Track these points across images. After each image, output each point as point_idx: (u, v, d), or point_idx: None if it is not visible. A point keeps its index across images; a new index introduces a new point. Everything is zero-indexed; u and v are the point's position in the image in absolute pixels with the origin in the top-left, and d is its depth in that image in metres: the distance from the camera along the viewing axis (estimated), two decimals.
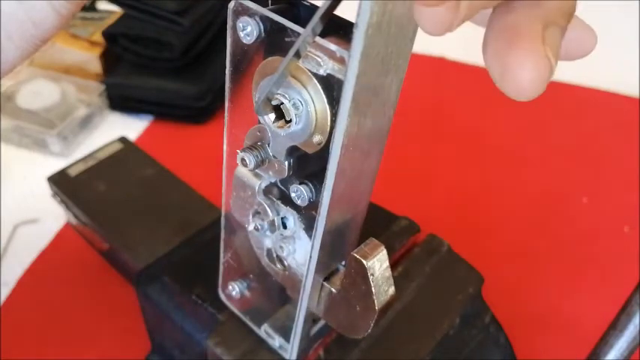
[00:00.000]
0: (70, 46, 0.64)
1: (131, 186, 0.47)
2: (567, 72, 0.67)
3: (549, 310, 0.46)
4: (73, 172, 0.47)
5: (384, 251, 0.23)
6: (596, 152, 0.61)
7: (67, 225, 0.50)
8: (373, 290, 0.23)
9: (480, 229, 0.52)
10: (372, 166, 0.22)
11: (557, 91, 0.54)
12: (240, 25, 0.21)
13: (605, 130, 0.64)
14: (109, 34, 0.61)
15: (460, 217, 0.53)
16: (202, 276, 0.34)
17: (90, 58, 0.64)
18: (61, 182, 0.47)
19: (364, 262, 0.22)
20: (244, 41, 0.21)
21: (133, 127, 0.62)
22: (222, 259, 0.30)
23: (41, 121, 0.58)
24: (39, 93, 0.60)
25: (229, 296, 0.31)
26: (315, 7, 0.20)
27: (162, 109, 0.62)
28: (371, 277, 0.23)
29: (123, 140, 0.51)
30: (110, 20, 0.64)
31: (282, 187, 0.25)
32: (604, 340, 0.27)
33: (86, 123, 0.61)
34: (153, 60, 0.61)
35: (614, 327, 0.26)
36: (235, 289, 0.30)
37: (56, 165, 0.57)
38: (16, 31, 0.23)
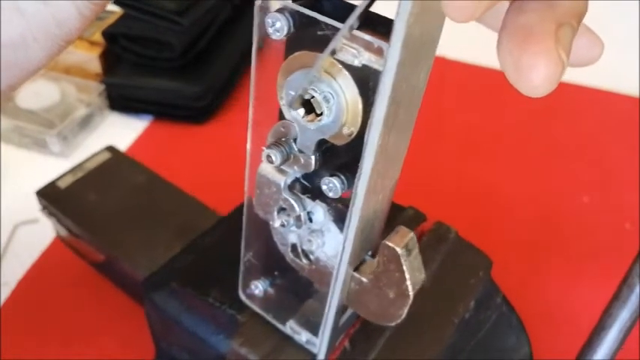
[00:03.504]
0: (70, 46, 0.64)
1: (124, 195, 0.46)
2: (567, 72, 0.67)
3: (551, 306, 0.46)
4: (62, 184, 0.46)
5: (414, 237, 0.23)
6: (596, 152, 0.61)
7: (57, 239, 0.49)
8: (407, 276, 0.23)
9: (479, 229, 0.52)
10: (401, 154, 0.22)
11: (557, 91, 0.54)
12: (269, 21, 0.20)
13: (605, 130, 0.64)
14: (109, 34, 0.61)
15: (460, 217, 0.53)
16: (213, 279, 0.34)
17: (90, 58, 0.63)
18: (50, 195, 0.45)
19: (397, 249, 0.23)
20: (273, 37, 0.21)
21: (132, 127, 0.62)
22: (242, 259, 0.30)
23: (41, 121, 0.58)
24: (39, 93, 0.60)
25: (251, 296, 0.31)
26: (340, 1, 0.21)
27: (162, 109, 0.62)
28: (404, 264, 0.23)
29: (110, 149, 0.49)
30: (110, 20, 0.64)
31: (305, 182, 0.25)
32: (607, 313, 0.28)
33: (86, 123, 0.61)
34: (153, 60, 0.61)
35: (617, 298, 0.28)
36: (259, 287, 0.30)
37: (56, 165, 0.57)
38: (41, 31, 0.23)
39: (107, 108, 0.63)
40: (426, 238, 0.35)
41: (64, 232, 0.46)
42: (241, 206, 0.41)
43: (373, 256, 0.26)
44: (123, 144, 0.60)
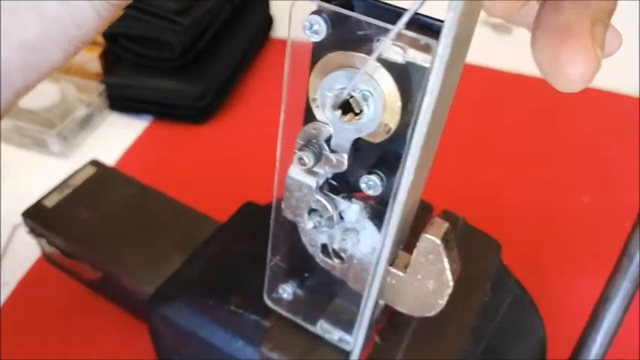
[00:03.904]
0: None
1: (116, 209, 0.44)
2: None
3: (551, 305, 0.46)
4: (49, 203, 0.44)
5: (450, 228, 0.24)
6: (596, 152, 0.61)
7: (41, 259, 0.47)
8: (447, 267, 0.24)
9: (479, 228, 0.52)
10: (435, 146, 0.23)
11: (557, 90, 0.54)
12: (307, 23, 0.20)
13: (605, 130, 0.64)
14: (109, 34, 0.61)
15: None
16: (227, 286, 0.34)
17: (90, 58, 0.63)
18: (38, 215, 0.43)
19: (437, 241, 0.24)
20: (312, 39, 0.21)
21: (132, 127, 0.62)
22: (268, 264, 0.30)
23: (41, 121, 0.58)
24: (39, 93, 0.59)
25: (277, 300, 0.31)
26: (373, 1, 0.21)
27: (162, 109, 0.62)
28: (445, 255, 0.24)
29: (95, 163, 0.48)
30: None
31: (334, 182, 0.25)
32: (610, 284, 0.30)
33: (86, 123, 0.61)
34: (153, 60, 0.61)
35: (618, 269, 0.29)
36: (287, 290, 0.30)
37: (56, 165, 0.57)
38: (59, 32, 0.23)
39: (107, 108, 0.63)
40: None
41: (54, 253, 0.44)
42: (239, 211, 0.41)
43: (403, 249, 0.26)
44: (123, 144, 0.60)
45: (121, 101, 0.63)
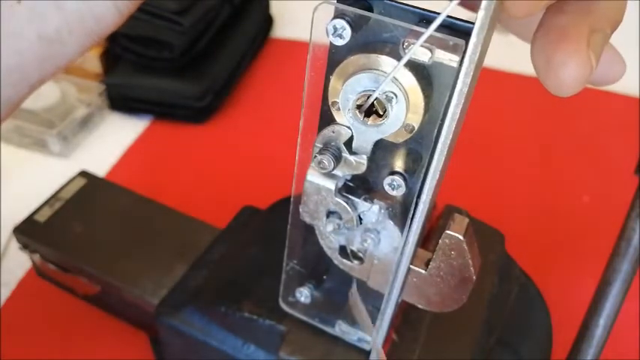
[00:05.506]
0: None
1: (110, 220, 0.43)
2: None
3: (550, 305, 0.46)
4: (41, 217, 0.43)
5: (469, 222, 0.24)
6: (596, 152, 0.61)
7: (32, 274, 0.46)
8: (470, 262, 0.24)
9: None
10: (454, 143, 0.23)
11: None
12: (330, 27, 0.20)
13: (604, 130, 0.64)
14: (109, 34, 0.61)
15: None
16: (237, 292, 0.34)
17: (90, 58, 0.63)
18: (31, 231, 0.42)
19: (461, 237, 0.24)
20: (336, 43, 0.20)
21: (132, 127, 0.62)
22: (285, 268, 0.30)
23: (41, 121, 0.58)
24: (39, 93, 0.59)
25: (293, 303, 0.31)
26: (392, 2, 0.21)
27: (162, 109, 0.62)
28: (467, 250, 0.24)
29: (84, 174, 0.46)
30: None
31: (350, 183, 0.25)
32: (610, 268, 0.30)
33: (86, 123, 0.61)
34: (153, 60, 0.61)
35: (617, 253, 0.30)
36: (305, 294, 0.30)
37: (56, 165, 0.57)
38: (78, 25, 0.23)
39: (107, 108, 0.63)
40: (442, 222, 0.36)
41: (48, 268, 0.43)
42: (238, 215, 0.41)
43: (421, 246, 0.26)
44: (123, 144, 0.60)
45: (121, 101, 0.63)
